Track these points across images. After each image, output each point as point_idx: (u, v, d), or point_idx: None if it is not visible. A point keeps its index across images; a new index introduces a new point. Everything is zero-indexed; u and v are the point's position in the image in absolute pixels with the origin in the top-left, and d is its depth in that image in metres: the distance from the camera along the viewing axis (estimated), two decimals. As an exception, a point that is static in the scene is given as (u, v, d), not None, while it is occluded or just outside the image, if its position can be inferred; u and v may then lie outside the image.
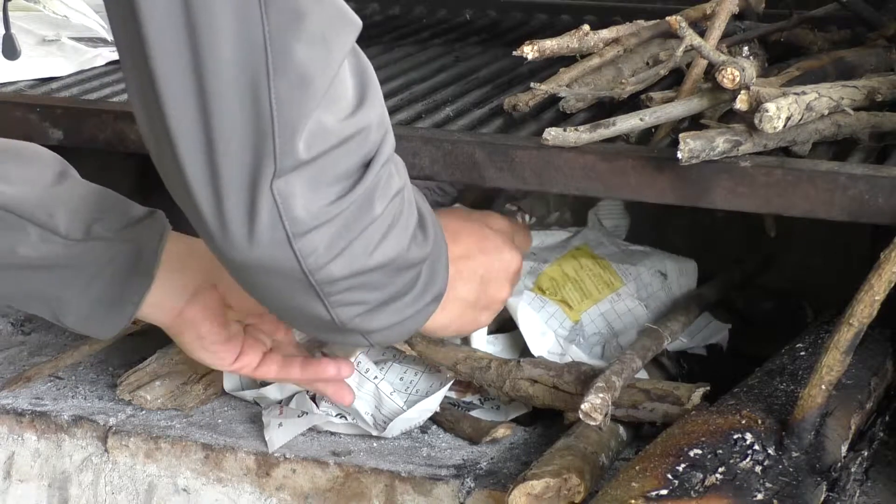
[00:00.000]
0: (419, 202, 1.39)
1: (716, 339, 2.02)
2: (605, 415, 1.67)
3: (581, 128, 1.58)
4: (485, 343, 1.91)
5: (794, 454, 1.50)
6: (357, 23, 1.32)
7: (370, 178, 1.25)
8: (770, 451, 1.50)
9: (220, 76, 1.17)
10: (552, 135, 1.57)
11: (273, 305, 1.37)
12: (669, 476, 1.46)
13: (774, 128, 1.49)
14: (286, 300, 1.32)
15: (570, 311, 1.95)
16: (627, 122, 1.58)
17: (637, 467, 1.50)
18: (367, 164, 1.25)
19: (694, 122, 1.61)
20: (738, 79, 1.52)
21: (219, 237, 1.23)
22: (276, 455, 1.83)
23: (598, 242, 2.07)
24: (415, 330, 1.45)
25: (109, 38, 2.10)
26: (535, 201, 2.13)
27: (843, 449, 1.58)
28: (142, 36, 1.17)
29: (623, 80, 1.80)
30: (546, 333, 1.89)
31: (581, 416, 1.67)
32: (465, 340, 1.90)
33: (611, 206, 2.15)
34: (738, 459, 1.48)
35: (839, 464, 1.54)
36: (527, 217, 2.03)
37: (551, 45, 1.79)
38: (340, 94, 1.23)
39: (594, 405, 1.67)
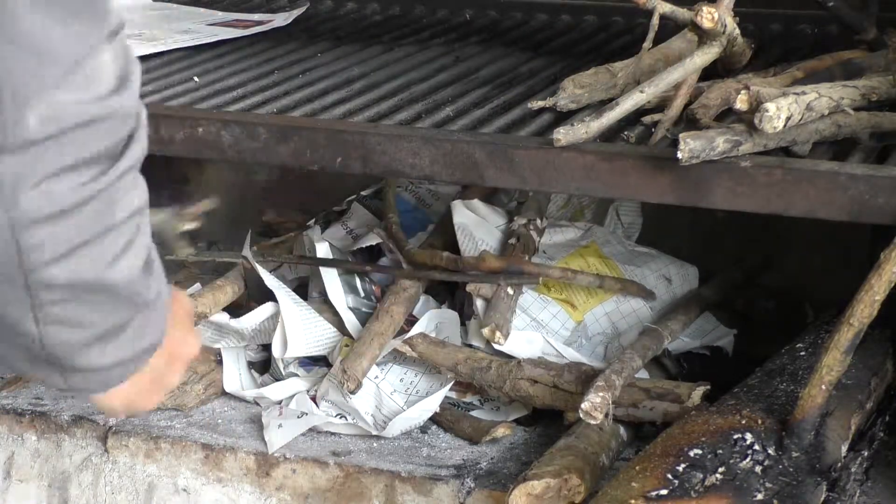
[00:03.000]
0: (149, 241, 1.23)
1: (720, 342, 2.02)
2: (606, 414, 1.67)
3: (587, 118, 1.58)
4: None
5: (794, 454, 1.50)
6: (117, 12, 1.15)
7: (115, 174, 1.12)
8: (770, 451, 1.50)
9: None
10: (562, 132, 1.56)
11: None
12: (669, 476, 1.46)
13: (774, 128, 1.48)
14: None
15: (573, 312, 1.95)
16: (630, 100, 1.57)
17: (637, 467, 1.50)
18: (113, 160, 1.12)
19: (691, 124, 1.60)
20: (716, 15, 1.52)
21: None
22: (276, 455, 1.83)
23: (605, 241, 2.07)
24: (120, 380, 1.22)
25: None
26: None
27: (843, 449, 1.58)
28: None
29: (616, 73, 1.79)
30: (533, 341, 1.89)
31: (581, 415, 1.67)
32: None
33: (629, 203, 2.15)
34: (738, 459, 1.48)
35: (839, 464, 1.54)
36: (538, 221, 2.02)
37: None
38: (92, 77, 1.10)
39: (594, 404, 1.67)
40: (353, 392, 1.83)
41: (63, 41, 1.09)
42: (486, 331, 1.84)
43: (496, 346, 1.87)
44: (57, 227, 1.09)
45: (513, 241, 1.96)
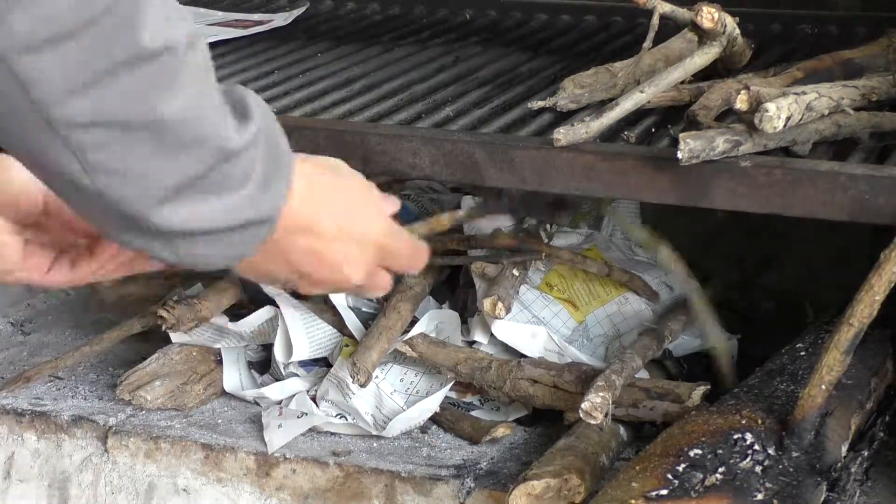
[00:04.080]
0: (244, 98, 1.04)
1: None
2: (606, 413, 1.67)
3: (587, 118, 1.58)
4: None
5: (794, 454, 1.50)
6: None
7: None
8: (770, 451, 1.50)
9: None
10: (562, 133, 1.56)
11: (21, 156, 1.02)
12: (669, 476, 1.46)
13: (774, 128, 1.48)
14: (31, 149, 0.98)
15: (574, 312, 1.95)
16: (630, 100, 1.57)
17: (637, 467, 1.50)
18: None
19: (692, 124, 1.60)
20: (716, 15, 1.52)
21: None
22: (276, 455, 1.83)
23: (607, 247, 2.07)
24: (250, 251, 1.06)
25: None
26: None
27: (843, 449, 1.58)
28: None
29: (616, 73, 1.79)
30: (537, 335, 1.89)
31: (582, 414, 1.67)
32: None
33: (627, 205, 2.15)
34: (738, 459, 1.48)
35: (839, 464, 1.54)
36: (549, 226, 2.02)
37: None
38: None
39: (594, 404, 1.67)
40: (363, 385, 1.83)
41: None
42: (487, 302, 1.83)
43: (496, 321, 1.86)
44: (59, 52, 0.94)
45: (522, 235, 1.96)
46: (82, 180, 0.98)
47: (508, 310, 1.85)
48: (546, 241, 1.98)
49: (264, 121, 1.06)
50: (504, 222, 1.88)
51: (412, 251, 1.21)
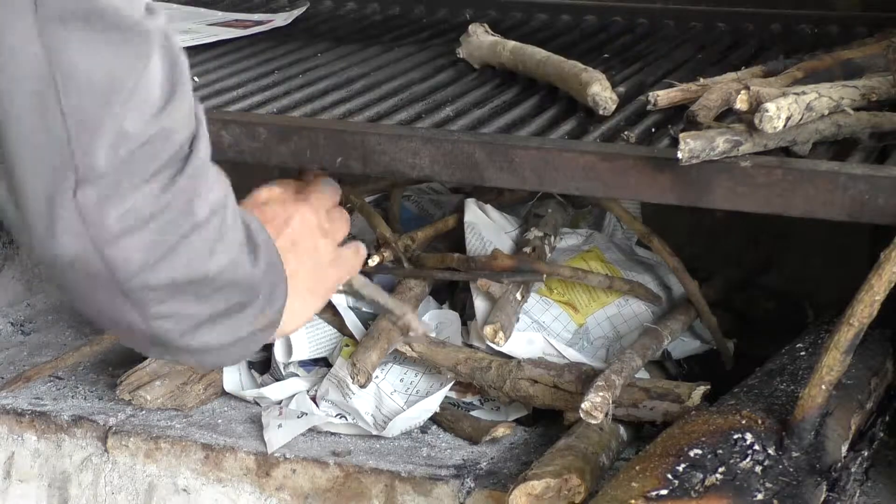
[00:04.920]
0: (245, 217, 1.30)
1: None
2: (606, 413, 1.67)
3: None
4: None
5: (794, 454, 1.50)
6: (159, 9, 1.22)
7: (187, 176, 1.18)
8: (770, 451, 1.50)
9: (10, 101, 1.13)
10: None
11: (91, 315, 1.26)
12: (669, 476, 1.46)
13: (774, 128, 1.48)
14: (103, 310, 1.22)
15: (575, 315, 1.95)
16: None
17: (637, 467, 1.50)
18: (181, 163, 1.18)
19: (692, 124, 1.60)
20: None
21: (29, 246, 1.19)
22: (276, 455, 1.83)
23: (607, 247, 2.07)
24: (252, 351, 1.34)
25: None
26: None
27: (843, 449, 1.58)
28: None
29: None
30: (534, 341, 1.89)
31: (582, 414, 1.67)
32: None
33: (628, 205, 2.15)
34: (738, 459, 1.48)
35: (839, 464, 1.54)
36: (552, 238, 2.01)
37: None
38: (146, 94, 1.17)
39: (594, 403, 1.67)
40: (363, 386, 1.83)
41: (117, 68, 1.14)
42: (488, 329, 1.84)
43: (495, 347, 1.87)
44: (139, 237, 1.16)
45: (527, 249, 1.95)
46: (139, 326, 1.21)
47: (507, 338, 1.84)
48: (549, 252, 1.98)
49: (265, 241, 1.30)
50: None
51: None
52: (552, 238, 1.99)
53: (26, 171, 1.15)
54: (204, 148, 1.21)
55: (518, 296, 1.89)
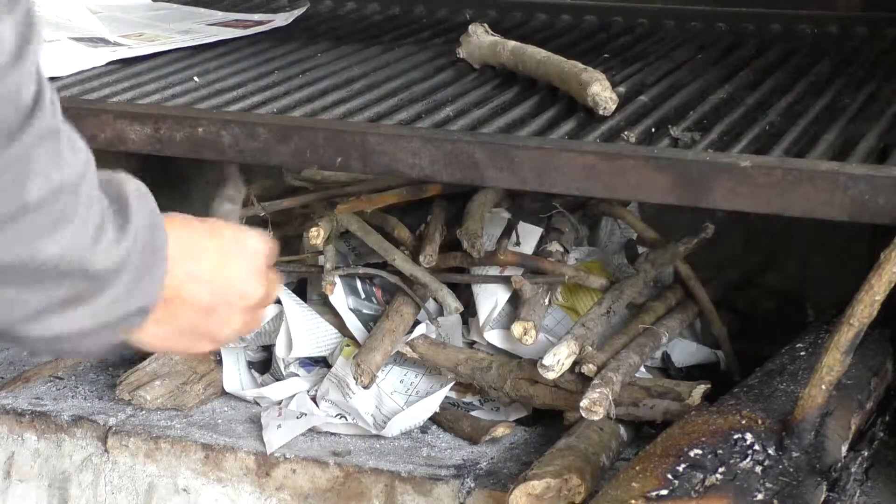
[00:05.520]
0: (124, 194, 1.15)
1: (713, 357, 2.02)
2: (607, 410, 1.67)
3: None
4: None
5: (794, 454, 1.50)
6: None
7: (14, 151, 1.04)
8: (770, 451, 1.50)
9: None
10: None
11: None
12: (669, 476, 1.46)
13: None
14: None
15: (577, 318, 1.95)
16: None
17: (637, 467, 1.50)
18: (10, 136, 1.04)
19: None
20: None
21: None
22: (276, 455, 1.83)
23: (608, 262, 2.07)
24: (111, 343, 1.18)
25: (110, 38, 2.10)
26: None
27: (843, 449, 1.58)
28: None
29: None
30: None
31: (583, 413, 1.68)
32: None
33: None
34: (738, 459, 1.48)
35: (839, 464, 1.54)
36: (568, 254, 2.01)
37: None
38: None
39: (593, 400, 1.67)
40: (366, 387, 1.83)
41: None
42: (517, 327, 1.82)
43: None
44: None
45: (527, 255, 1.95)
46: None
47: (534, 339, 1.83)
48: (566, 253, 1.98)
49: (142, 217, 1.15)
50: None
51: (275, 286, 1.31)
52: (567, 255, 1.99)
53: None
54: (47, 120, 1.07)
55: (546, 300, 1.89)
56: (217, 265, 1.23)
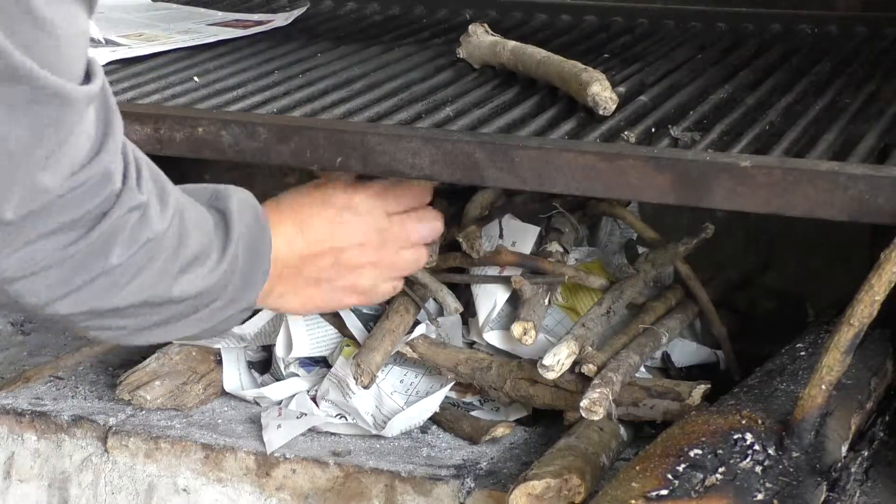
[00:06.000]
0: (228, 210, 1.32)
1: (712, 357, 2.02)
2: (607, 409, 1.67)
3: None
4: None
5: (795, 454, 1.50)
6: (99, 71, 1.20)
7: (101, 229, 1.20)
8: (770, 451, 1.50)
9: None
10: None
11: None
12: (669, 476, 1.46)
13: None
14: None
15: (576, 318, 1.95)
16: None
17: (637, 467, 1.50)
18: (98, 218, 1.20)
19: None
20: None
21: None
22: (276, 455, 1.83)
23: (607, 263, 2.07)
24: (226, 330, 1.43)
25: (101, 39, 2.11)
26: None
27: (843, 449, 1.58)
28: None
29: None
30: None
31: (583, 413, 1.68)
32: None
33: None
34: (738, 459, 1.48)
35: (839, 464, 1.54)
36: (568, 255, 2.01)
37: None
38: (67, 157, 1.16)
39: (593, 400, 1.67)
40: (366, 387, 1.83)
41: (32, 138, 1.11)
42: (517, 327, 1.82)
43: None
44: (39, 279, 1.18)
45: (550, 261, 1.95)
46: (83, 332, 1.29)
47: (534, 340, 1.83)
48: (566, 253, 1.98)
49: (244, 227, 1.34)
50: None
51: (412, 192, 1.57)
52: (567, 255, 1.99)
53: None
54: (131, 202, 1.21)
55: (546, 301, 1.89)
56: (327, 227, 1.46)
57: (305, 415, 1.88)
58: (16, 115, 1.10)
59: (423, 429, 1.89)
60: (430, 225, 1.59)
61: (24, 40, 1.08)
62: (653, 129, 1.70)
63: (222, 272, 1.29)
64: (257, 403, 1.97)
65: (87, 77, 1.17)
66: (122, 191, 1.21)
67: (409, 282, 1.88)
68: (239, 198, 1.36)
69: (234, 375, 2.00)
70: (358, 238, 1.48)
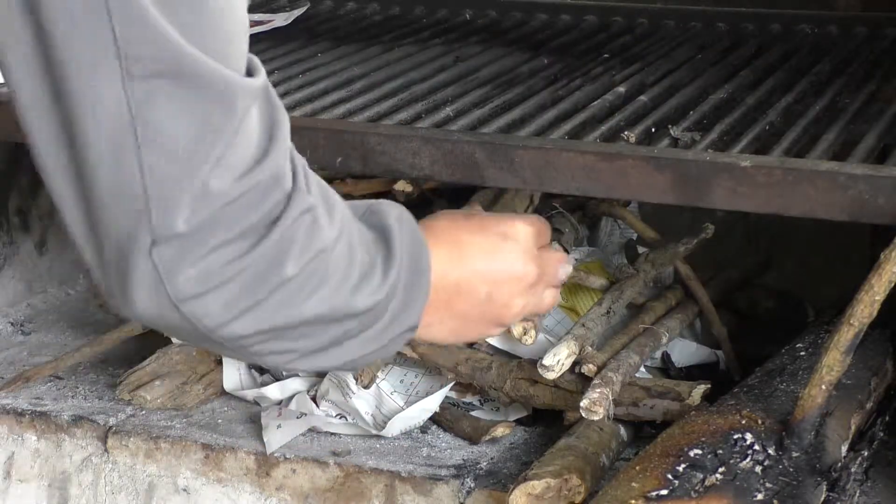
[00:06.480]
0: (387, 226, 1.24)
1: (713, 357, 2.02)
2: (607, 409, 1.67)
3: None
4: None
5: (794, 454, 1.50)
6: (260, 67, 1.15)
7: (275, 236, 1.12)
8: (770, 451, 1.50)
9: (89, 149, 1.07)
10: None
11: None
12: (669, 476, 1.46)
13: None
14: (209, 348, 1.23)
15: (576, 318, 1.95)
16: None
17: (637, 467, 1.50)
18: (270, 224, 1.12)
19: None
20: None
21: (109, 297, 1.14)
22: (276, 455, 1.83)
23: (608, 263, 2.07)
24: (387, 356, 1.39)
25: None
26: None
27: (843, 449, 1.58)
28: (19, 110, 1.08)
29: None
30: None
31: (583, 413, 1.68)
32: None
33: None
34: (738, 459, 1.48)
35: (839, 464, 1.54)
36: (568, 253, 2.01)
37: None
38: (236, 156, 1.09)
39: (593, 400, 1.67)
40: (366, 387, 1.83)
41: (203, 134, 1.07)
42: (516, 327, 1.82)
43: (524, 345, 1.86)
44: (216, 296, 1.11)
45: None
46: (245, 359, 1.31)
47: (535, 339, 1.83)
48: (566, 254, 1.97)
49: (405, 245, 1.24)
50: None
51: (554, 263, 1.45)
52: (569, 253, 1.99)
53: (100, 222, 1.09)
54: (301, 205, 1.13)
55: None
56: (486, 257, 1.36)
57: (305, 415, 1.88)
58: (184, 112, 1.05)
59: (423, 429, 1.89)
60: (569, 268, 1.49)
61: (191, 30, 1.04)
62: (653, 129, 1.70)
63: (389, 287, 1.22)
64: (257, 403, 1.97)
65: (249, 71, 1.11)
66: (292, 193, 1.13)
67: None
68: (397, 214, 1.28)
69: (234, 375, 2.00)
70: (517, 270, 1.38)
